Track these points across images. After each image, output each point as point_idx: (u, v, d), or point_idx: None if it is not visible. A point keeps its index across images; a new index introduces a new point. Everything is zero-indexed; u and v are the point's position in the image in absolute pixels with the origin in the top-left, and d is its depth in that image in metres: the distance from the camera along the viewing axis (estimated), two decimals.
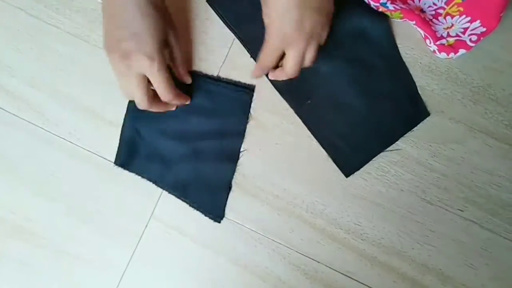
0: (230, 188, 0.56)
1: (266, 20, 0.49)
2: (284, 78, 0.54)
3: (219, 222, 0.56)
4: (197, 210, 0.56)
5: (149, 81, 0.49)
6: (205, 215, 0.56)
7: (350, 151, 0.57)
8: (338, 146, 0.57)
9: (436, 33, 0.56)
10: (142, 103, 0.50)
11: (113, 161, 0.56)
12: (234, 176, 0.57)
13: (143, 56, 0.47)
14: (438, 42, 0.56)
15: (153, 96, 0.51)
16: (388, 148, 0.57)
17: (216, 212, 0.56)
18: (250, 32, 0.57)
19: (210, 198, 0.56)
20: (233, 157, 0.57)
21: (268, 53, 0.50)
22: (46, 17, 0.58)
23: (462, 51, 0.56)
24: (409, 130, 0.57)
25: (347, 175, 0.57)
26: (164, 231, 0.57)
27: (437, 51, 0.57)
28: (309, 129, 0.57)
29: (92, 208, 0.57)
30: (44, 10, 0.58)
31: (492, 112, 0.57)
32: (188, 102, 0.55)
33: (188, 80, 0.55)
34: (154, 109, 0.52)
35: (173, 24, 0.51)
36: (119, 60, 0.47)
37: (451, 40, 0.56)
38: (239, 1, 0.57)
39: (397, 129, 0.57)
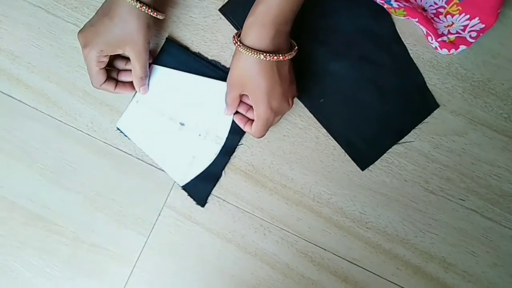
0: (218, 179, 0.59)
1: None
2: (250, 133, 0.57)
3: (203, 206, 0.59)
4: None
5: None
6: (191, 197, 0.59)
7: (365, 145, 0.59)
8: (352, 141, 0.59)
9: (438, 30, 0.59)
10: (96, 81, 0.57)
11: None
12: (239, 167, 0.59)
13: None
14: (439, 39, 0.58)
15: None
16: (400, 141, 0.59)
17: (200, 199, 0.59)
18: None
19: (200, 186, 0.59)
20: (230, 152, 0.59)
21: (261, 126, 0.55)
22: (65, 15, 0.60)
23: (462, 47, 0.58)
24: (420, 122, 0.59)
25: (362, 169, 0.59)
26: (177, 219, 0.59)
27: (438, 48, 0.59)
28: (324, 126, 0.60)
29: (107, 197, 0.59)
30: (64, 8, 0.60)
31: (491, 106, 0.60)
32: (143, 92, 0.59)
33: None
34: (103, 88, 0.57)
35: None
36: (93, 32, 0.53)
37: (452, 37, 0.59)
38: (250, 10, 0.60)
39: (408, 121, 0.60)
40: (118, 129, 0.59)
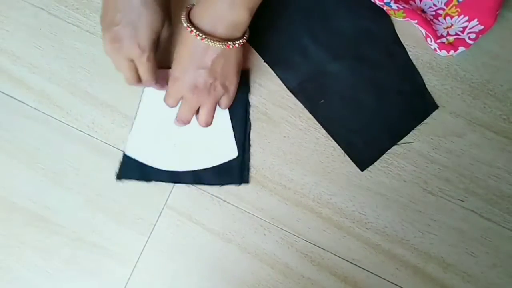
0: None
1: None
2: (178, 124, 0.57)
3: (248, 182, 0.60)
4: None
5: None
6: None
7: (364, 146, 0.60)
8: (352, 142, 0.60)
9: (437, 32, 0.59)
10: (130, 81, 0.55)
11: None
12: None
13: (136, 45, 0.51)
14: (438, 41, 0.59)
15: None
16: (400, 142, 0.60)
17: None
18: (262, 37, 0.60)
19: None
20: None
21: (168, 93, 0.55)
22: (66, 16, 0.61)
23: (461, 48, 0.59)
24: (419, 123, 0.60)
25: (362, 169, 0.59)
26: (177, 219, 0.59)
27: (437, 49, 0.59)
28: (324, 127, 0.60)
29: (108, 197, 0.59)
30: (65, 9, 0.61)
31: (490, 107, 0.60)
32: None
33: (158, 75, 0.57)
34: (141, 85, 0.56)
35: (170, 16, 0.54)
36: (109, 41, 0.51)
37: (451, 38, 0.59)
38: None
39: (408, 122, 0.60)
40: (128, 156, 0.59)
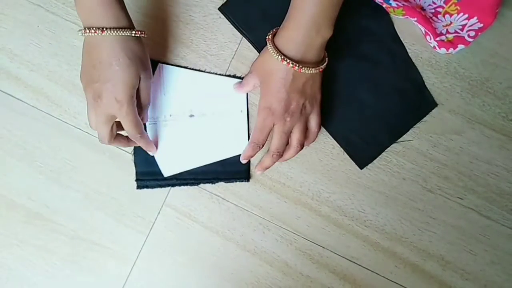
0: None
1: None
2: (270, 161, 0.56)
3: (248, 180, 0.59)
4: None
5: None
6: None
7: (364, 144, 0.60)
8: (351, 140, 0.60)
9: (436, 30, 0.59)
10: (104, 140, 0.53)
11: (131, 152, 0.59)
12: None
13: (114, 100, 0.49)
14: (438, 38, 0.59)
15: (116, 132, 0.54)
16: (399, 140, 0.60)
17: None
18: (259, 36, 0.59)
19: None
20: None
21: (259, 128, 0.54)
22: (64, 13, 0.60)
23: (460, 46, 0.58)
24: (418, 121, 0.60)
25: (361, 167, 0.59)
26: (176, 217, 0.59)
27: (437, 47, 0.59)
28: (323, 125, 0.60)
29: (107, 195, 0.59)
30: (63, 7, 0.60)
31: (489, 105, 0.60)
32: (152, 151, 0.58)
33: (142, 127, 0.55)
34: (115, 144, 0.55)
35: (147, 66, 0.53)
36: (91, 97, 0.50)
37: (450, 36, 0.59)
38: (249, 9, 0.60)
39: (407, 120, 0.60)
40: (166, 178, 0.59)
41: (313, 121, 0.56)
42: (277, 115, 0.53)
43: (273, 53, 0.51)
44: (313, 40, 0.51)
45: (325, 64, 0.54)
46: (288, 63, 0.50)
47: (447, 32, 0.59)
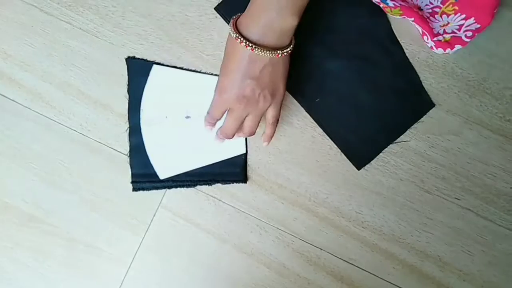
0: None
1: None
2: (220, 137, 0.56)
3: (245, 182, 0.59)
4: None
5: None
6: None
7: (361, 144, 0.59)
8: (349, 140, 0.59)
9: (433, 30, 0.59)
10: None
11: (126, 154, 0.59)
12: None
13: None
14: (435, 39, 0.58)
15: None
16: (396, 141, 0.59)
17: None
18: None
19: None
20: None
21: (213, 106, 0.54)
22: (58, 13, 0.60)
23: (458, 46, 0.58)
24: (416, 121, 0.59)
25: (358, 168, 0.59)
26: (172, 219, 0.59)
27: (434, 47, 0.59)
28: (320, 125, 0.60)
29: (102, 197, 0.59)
30: (57, 7, 0.60)
31: (487, 105, 0.60)
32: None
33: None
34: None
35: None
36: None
37: (448, 36, 0.59)
38: (245, 8, 0.59)
39: (404, 121, 0.60)
40: (162, 180, 0.58)
41: (270, 114, 0.54)
42: (229, 99, 0.52)
43: (231, 33, 0.49)
44: (274, 23, 0.48)
45: (286, 51, 0.50)
46: (242, 41, 0.48)
47: (444, 32, 0.59)
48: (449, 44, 0.59)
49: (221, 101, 0.53)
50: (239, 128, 0.54)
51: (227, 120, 0.54)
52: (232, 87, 0.51)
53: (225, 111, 0.54)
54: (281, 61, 0.51)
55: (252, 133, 0.55)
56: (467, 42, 0.58)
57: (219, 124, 0.55)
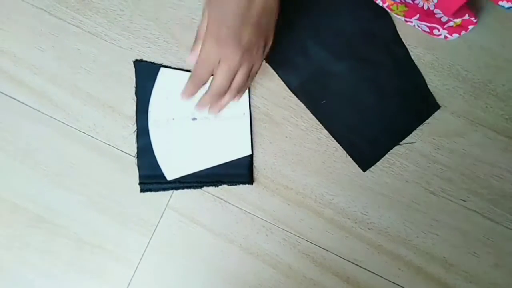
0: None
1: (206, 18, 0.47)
2: (208, 100, 0.50)
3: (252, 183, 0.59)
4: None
5: None
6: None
7: (366, 146, 0.60)
8: (354, 142, 0.60)
9: (441, 19, 0.58)
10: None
11: (134, 155, 0.59)
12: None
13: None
14: (446, 26, 0.58)
15: None
16: (401, 142, 0.60)
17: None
18: None
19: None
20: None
21: (202, 61, 0.48)
22: (67, 17, 0.61)
23: (471, 27, 0.57)
24: (421, 123, 0.60)
25: (364, 170, 0.59)
26: (179, 220, 0.59)
27: (448, 35, 0.58)
28: (326, 128, 0.60)
29: (110, 198, 0.59)
30: (66, 11, 0.61)
31: (492, 107, 0.60)
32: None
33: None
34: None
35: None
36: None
37: (458, 20, 0.57)
38: None
39: (410, 122, 0.60)
40: (170, 181, 0.59)
41: (257, 66, 0.49)
42: (226, 48, 0.45)
43: None
44: None
45: None
46: None
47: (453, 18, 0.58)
48: (461, 27, 0.58)
49: (214, 53, 0.46)
50: None
51: (219, 75, 0.47)
52: (229, 34, 0.44)
53: (213, 70, 0.48)
54: (275, 8, 0.47)
55: (241, 91, 0.51)
56: (476, 22, 0.57)
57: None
